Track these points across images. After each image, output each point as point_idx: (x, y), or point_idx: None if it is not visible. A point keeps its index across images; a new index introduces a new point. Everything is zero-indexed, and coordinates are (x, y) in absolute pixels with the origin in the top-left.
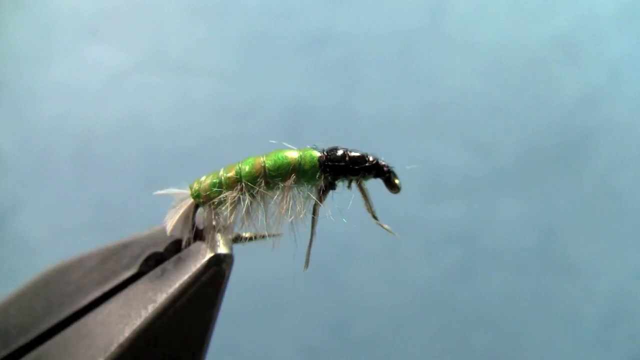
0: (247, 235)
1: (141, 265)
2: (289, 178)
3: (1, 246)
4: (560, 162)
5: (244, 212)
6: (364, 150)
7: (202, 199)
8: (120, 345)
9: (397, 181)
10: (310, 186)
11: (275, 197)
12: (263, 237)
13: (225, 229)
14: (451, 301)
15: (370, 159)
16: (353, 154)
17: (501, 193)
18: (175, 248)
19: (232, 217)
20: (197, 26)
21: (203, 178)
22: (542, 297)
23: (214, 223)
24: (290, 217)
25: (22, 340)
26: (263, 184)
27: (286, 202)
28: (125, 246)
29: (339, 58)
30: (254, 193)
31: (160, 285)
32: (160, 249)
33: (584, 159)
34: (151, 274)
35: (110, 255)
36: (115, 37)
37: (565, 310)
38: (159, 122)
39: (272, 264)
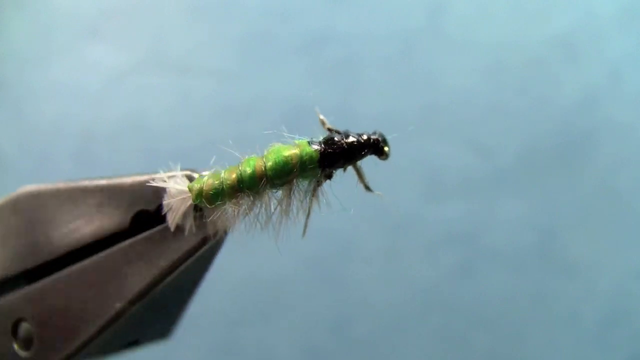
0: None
1: (132, 221)
2: (290, 179)
3: None
4: (560, 162)
5: (245, 212)
6: (357, 130)
7: (204, 202)
8: (129, 302)
9: (386, 149)
10: (309, 182)
11: (276, 195)
12: None
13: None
14: (451, 301)
15: (365, 138)
16: (350, 139)
17: (501, 193)
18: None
19: (234, 218)
20: (197, 26)
21: (205, 177)
22: (542, 297)
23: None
24: (292, 213)
25: (15, 268)
26: (265, 186)
27: (287, 200)
28: (109, 192)
29: (339, 58)
30: (255, 195)
31: (162, 250)
32: (150, 207)
33: (584, 159)
34: (149, 235)
35: (93, 199)
36: (115, 37)
37: (565, 310)
38: (159, 122)
39: (272, 264)
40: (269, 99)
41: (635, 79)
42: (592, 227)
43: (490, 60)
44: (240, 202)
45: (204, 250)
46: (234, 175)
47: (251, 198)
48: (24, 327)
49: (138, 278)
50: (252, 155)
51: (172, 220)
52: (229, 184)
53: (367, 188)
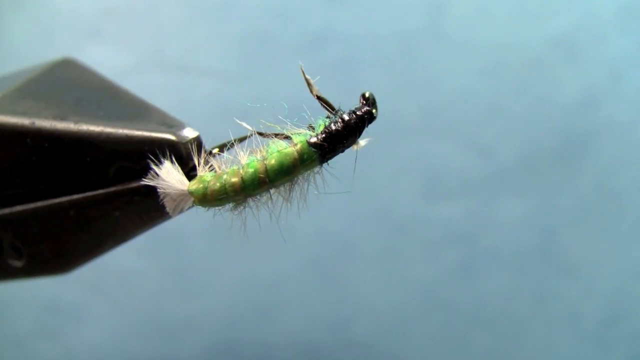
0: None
1: (115, 174)
2: (291, 177)
3: None
4: (560, 162)
5: (246, 211)
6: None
7: (203, 199)
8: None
9: (375, 111)
10: (308, 174)
11: (277, 192)
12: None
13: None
14: (451, 301)
15: (359, 114)
16: (345, 117)
17: (501, 193)
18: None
19: (236, 215)
20: (197, 26)
21: (207, 176)
22: (542, 297)
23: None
24: (291, 207)
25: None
26: (266, 186)
27: (287, 195)
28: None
29: (339, 58)
30: (256, 195)
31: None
32: (134, 165)
33: (584, 159)
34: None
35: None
36: (115, 37)
37: (565, 310)
38: None
39: (272, 264)
40: (269, 99)
41: (635, 79)
42: (592, 227)
43: (490, 60)
44: (242, 202)
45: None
46: (236, 179)
47: (253, 197)
48: (7, 242)
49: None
50: (252, 157)
51: (172, 211)
52: (231, 189)
53: (313, 91)
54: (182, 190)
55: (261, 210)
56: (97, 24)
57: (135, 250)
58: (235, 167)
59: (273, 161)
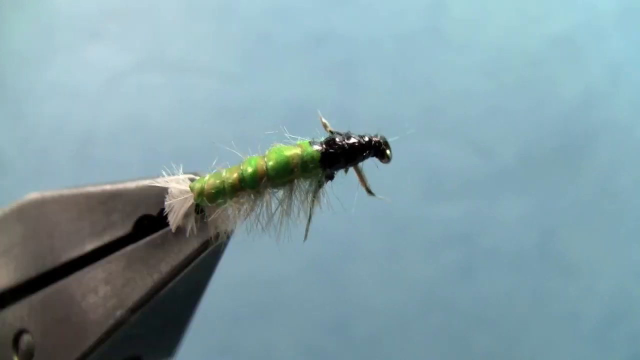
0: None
1: (135, 226)
2: (291, 178)
3: None
4: (560, 162)
5: (247, 212)
6: (359, 132)
7: (205, 201)
8: (130, 309)
9: (388, 152)
10: (311, 181)
11: (278, 195)
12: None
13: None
14: (451, 301)
15: (366, 140)
16: (352, 140)
17: (501, 193)
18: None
19: (236, 218)
20: (197, 26)
21: (206, 177)
22: (542, 297)
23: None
24: (293, 214)
25: (18, 278)
26: (266, 185)
27: (288, 200)
28: (112, 197)
29: (339, 58)
30: (256, 195)
31: (163, 255)
32: (153, 212)
33: (584, 159)
34: (150, 239)
35: (97, 205)
36: (115, 37)
37: (565, 310)
38: (159, 122)
39: (272, 264)
40: (269, 99)
41: (635, 79)
42: (592, 227)
43: (490, 61)
44: (242, 201)
45: (205, 255)
46: (235, 174)
47: (252, 197)
48: (26, 339)
49: (139, 284)
50: (254, 155)
51: (173, 221)
52: (230, 183)
53: (369, 192)
54: (184, 189)
55: (262, 211)
56: (97, 24)
57: None
58: (235, 165)
59: (273, 155)
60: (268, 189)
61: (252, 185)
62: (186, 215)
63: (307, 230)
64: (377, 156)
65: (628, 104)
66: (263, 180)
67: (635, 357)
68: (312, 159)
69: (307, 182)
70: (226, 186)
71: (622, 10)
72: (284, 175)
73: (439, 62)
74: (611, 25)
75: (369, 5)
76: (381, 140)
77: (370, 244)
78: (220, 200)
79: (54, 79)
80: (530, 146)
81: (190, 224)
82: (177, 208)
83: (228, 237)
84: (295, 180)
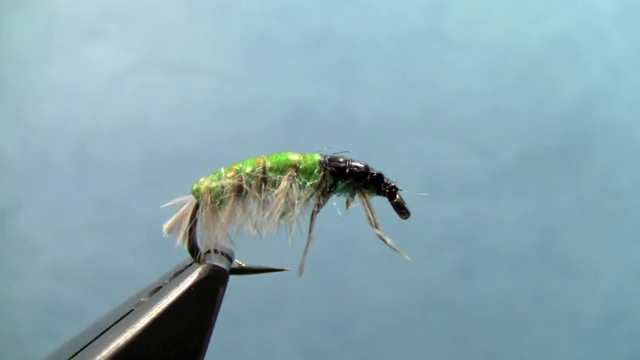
0: (247, 266)
1: (146, 297)
2: (288, 172)
3: (1, 246)
4: (560, 162)
5: (243, 210)
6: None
7: (202, 196)
8: None
9: (403, 203)
10: (310, 183)
11: (275, 192)
12: (266, 270)
13: (222, 241)
14: (451, 301)
15: (372, 171)
16: (355, 163)
17: (501, 193)
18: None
19: (232, 216)
20: (197, 26)
21: (202, 179)
22: (542, 297)
23: (213, 224)
24: (290, 214)
25: None
26: (263, 180)
27: (285, 198)
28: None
29: (339, 58)
30: (254, 191)
31: (149, 305)
32: (167, 280)
33: (584, 159)
34: (151, 298)
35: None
36: (115, 37)
37: (565, 310)
38: (159, 122)
39: (272, 264)
40: (269, 99)
41: (635, 79)
42: (592, 227)
43: (490, 61)
44: (242, 200)
45: (193, 299)
46: (234, 169)
47: (252, 195)
48: None
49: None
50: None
51: (172, 219)
52: (228, 176)
53: (375, 226)
54: (187, 197)
55: (261, 211)
56: (97, 24)
57: (135, 250)
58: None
59: (273, 155)
60: (267, 188)
61: (249, 177)
62: (185, 217)
63: (303, 262)
64: (392, 204)
65: (628, 104)
66: (260, 173)
67: (635, 357)
68: (311, 157)
69: (307, 185)
70: (224, 178)
71: (622, 10)
72: (281, 166)
73: (439, 62)
74: (611, 25)
75: (369, 5)
76: (389, 182)
77: (370, 244)
78: (216, 190)
79: (54, 79)
80: (530, 146)
81: (186, 227)
82: (181, 215)
83: (223, 281)
84: (293, 179)
